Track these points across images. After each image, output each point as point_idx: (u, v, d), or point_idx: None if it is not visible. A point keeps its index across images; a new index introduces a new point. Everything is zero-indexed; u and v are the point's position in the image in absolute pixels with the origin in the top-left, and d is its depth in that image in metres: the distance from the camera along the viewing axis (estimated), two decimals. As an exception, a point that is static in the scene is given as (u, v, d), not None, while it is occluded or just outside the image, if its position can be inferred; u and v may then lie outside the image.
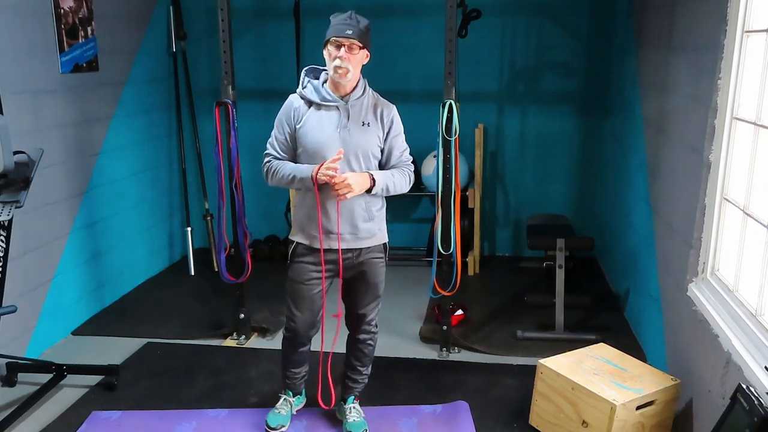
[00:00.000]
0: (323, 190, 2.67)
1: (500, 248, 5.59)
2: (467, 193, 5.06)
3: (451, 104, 3.44)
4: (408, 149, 2.85)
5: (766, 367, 2.16)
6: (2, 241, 3.07)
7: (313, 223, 2.74)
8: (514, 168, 5.38)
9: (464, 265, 4.95)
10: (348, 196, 2.60)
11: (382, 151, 2.77)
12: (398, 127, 2.80)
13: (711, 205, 2.80)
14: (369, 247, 2.79)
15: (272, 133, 2.78)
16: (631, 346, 3.69)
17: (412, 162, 2.86)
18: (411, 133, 5.20)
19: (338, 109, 2.68)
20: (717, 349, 2.51)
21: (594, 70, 5.11)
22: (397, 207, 5.56)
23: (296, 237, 2.83)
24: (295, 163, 2.74)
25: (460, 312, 4.14)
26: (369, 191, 2.68)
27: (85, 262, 4.27)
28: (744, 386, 2.13)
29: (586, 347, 3.13)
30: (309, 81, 2.74)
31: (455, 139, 3.48)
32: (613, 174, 4.89)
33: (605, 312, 4.29)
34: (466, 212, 5.02)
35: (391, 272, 5.01)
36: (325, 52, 2.64)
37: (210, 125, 4.33)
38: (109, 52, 4.43)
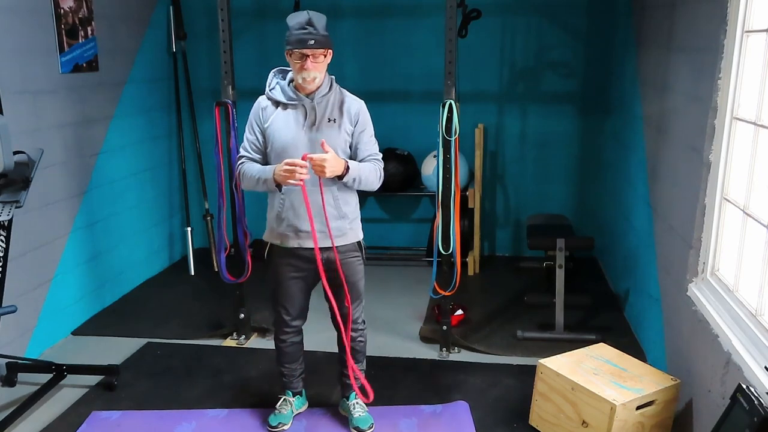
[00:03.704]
0: (294, 191, 2.68)
1: (500, 248, 5.59)
2: (467, 193, 5.06)
3: (451, 104, 3.44)
4: (377, 145, 2.83)
5: (766, 367, 2.16)
6: (2, 241, 3.07)
7: (282, 223, 2.75)
8: (514, 168, 5.38)
9: (464, 265, 4.95)
10: (317, 172, 2.57)
11: (350, 147, 2.77)
12: (365, 122, 2.78)
13: (711, 205, 2.80)
14: (342, 246, 2.79)
15: (245, 135, 2.81)
16: (631, 346, 3.69)
17: (381, 159, 2.83)
18: (411, 133, 5.29)
19: (304, 107, 2.69)
20: (717, 349, 2.51)
21: (594, 70, 5.11)
22: (397, 207, 5.56)
23: (268, 238, 2.85)
24: (267, 163, 2.76)
25: (460, 312, 4.14)
26: (340, 178, 2.65)
27: (85, 262, 4.27)
28: (744, 386, 2.13)
29: (586, 347, 3.13)
30: (277, 82, 2.76)
31: (455, 139, 3.48)
32: (613, 174, 4.90)
33: (605, 312, 4.29)
34: (466, 212, 5.02)
35: (391, 272, 5.05)
36: (287, 57, 2.65)
37: (210, 125, 4.33)
38: (109, 52, 4.43)
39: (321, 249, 2.74)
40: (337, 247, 2.77)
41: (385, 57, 5.23)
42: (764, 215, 2.42)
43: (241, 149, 2.82)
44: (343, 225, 2.77)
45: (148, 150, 5.00)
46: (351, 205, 2.81)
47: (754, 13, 2.56)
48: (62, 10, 3.92)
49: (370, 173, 2.74)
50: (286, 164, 2.56)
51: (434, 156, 4.65)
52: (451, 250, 3.60)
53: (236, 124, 3.63)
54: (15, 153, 2.95)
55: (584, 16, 5.06)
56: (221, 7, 3.61)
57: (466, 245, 5.03)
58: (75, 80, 4.08)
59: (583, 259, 5.18)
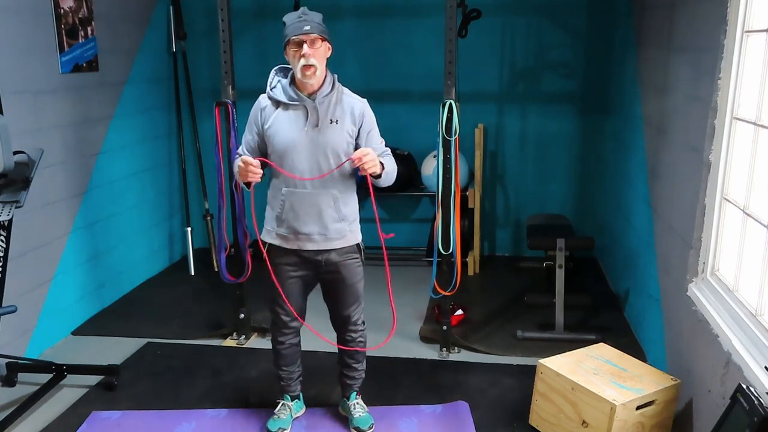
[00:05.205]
0: (294, 193, 2.68)
1: (500, 248, 5.59)
2: (467, 193, 5.06)
3: (451, 104, 3.44)
4: (383, 142, 2.83)
5: (766, 367, 2.16)
6: (2, 241, 3.07)
7: (282, 224, 2.75)
8: (514, 168, 5.38)
9: (464, 265, 4.95)
10: (370, 170, 2.59)
11: (356, 148, 2.74)
12: (370, 122, 2.76)
13: (711, 205, 2.80)
14: (342, 248, 2.78)
15: (244, 134, 2.80)
16: (631, 346, 3.69)
17: (390, 153, 2.84)
18: (411, 133, 5.29)
19: (305, 108, 2.66)
20: (717, 349, 2.51)
21: (594, 70, 5.11)
22: (397, 207, 5.57)
23: (268, 238, 2.83)
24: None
25: (460, 312, 4.14)
26: (378, 176, 2.68)
27: (85, 262, 4.27)
28: (744, 386, 2.13)
29: (586, 347, 3.13)
30: (279, 80, 2.73)
31: (455, 139, 3.48)
32: (612, 174, 4.90)
33: (605, 312, 4.29)
34: (466, 212, 5.02)
35: (392, 272, 5.02)
36: (287, 55, 2.63)
37: (210, 125, 4.33)
38: (109, 52, 4.43)
39: (320, 251, 2.75)
40: (336, 249, 2.77)
41: (385, 57, 5.23)
42: (764, 215, 2.42)
43: (240, 148, 2.82)
44: (342, 227, 2.76)
45: (148, 150, 5.00)
46: (350, 206, 2.80)
47: (754, 13, 2.56)
48: (62, 10, 3.91)
49: (392, 168, 2.75)
50: (242, 161, 2.59)
51: (434, 156, 4.65)
52: (451, 250, 3.60)
53: (236, 124, 3.63)
54: (15, 153, 2.95)
55: (584, 16, 5.06)
56: (221, 7, 3.62)
57: (466, 245, 5.03)
58: (75, 80, 4.08)
59: (583, 259, 5.18)
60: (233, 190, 3.68)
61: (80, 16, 4.10)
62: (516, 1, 5.08)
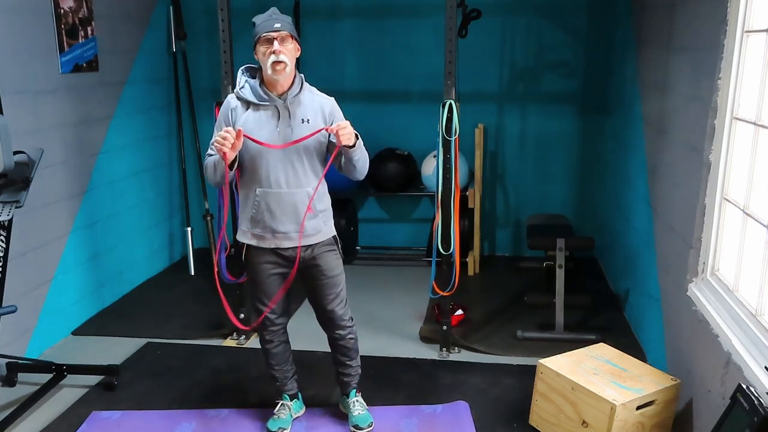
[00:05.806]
0: (269, 194, 2.68)
1: (500, 248, 5.59)
2: (467, 193, 5.06)
3: (451, 104, 3.44)
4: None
5: (766, 367, 2.16)
6: (2, 241, 3.07)
7: (258, 225, 2.74)
8: (514, 168, 5.38)
9: (464, 265, 4.95)
10: (344, 141, 2.57)
11: (328, 146, 2.75)
12: (340, 119, 2.76)
13: (711, 205, 2.80)
14: (318, 243, 2.79)
15: (214, 136, 2.74)
16: (631, 346, 3.69)
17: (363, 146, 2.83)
18: (411, 133, 5.29)
19: (277, 108, 2.67)
20: (717, 349, 2.51)
21: (594, 70, 5.11)
22: (397, 207, 5.56)
23: (244, 238, 2.82)
24: (238, 164, 2.74)
25: (460, 312, 4.14)
26: (353, 146, 2.65)
27: (85, 262, 4.27)
28: (744, 386, 2.13)
29: (586, 347, 3.13)
30: (246, 80, 2.73)
31: (455, 139, 3.48)
32: (612, 174, 4.90)
33: (605, 312, 4.29)
34: (466, 212, 5.03)
35: (391, 272, 5.05)
36: (256, 54, 2.65)
37: (210, 125, 4.32)
38: (109, 52, 4.43)
39: (296, 248, 2.75)
40: (314, 244, 2.78)
41: (385, 57, 5.23)
42: (764, 215, 2.42)
43: (208, 149, 2.76)
44: (317, 223, 2.77)
45: (148, 150, 5.00)
46: (324, 203, 2.81)
47: (754, 13, 2.56)
48: (62, 10, 3.92)
49: (365, 153, 2.76)
50: (219, 136, 2.53)
51: (434, 156, 4.65)
52: (450, 250, 3.60)
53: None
54: (15, 153, 2.95)
55: (584, 16, 5.06)
56: (221, 7, 3.62)
57: (466, 245, 5.03)
58: (75, 80, 4.08)
59: (583, 259, 5.18)
60: (233, 190, 3.67)
61: (80, 16, 4.10)
62: (516, 1, 5.08)
